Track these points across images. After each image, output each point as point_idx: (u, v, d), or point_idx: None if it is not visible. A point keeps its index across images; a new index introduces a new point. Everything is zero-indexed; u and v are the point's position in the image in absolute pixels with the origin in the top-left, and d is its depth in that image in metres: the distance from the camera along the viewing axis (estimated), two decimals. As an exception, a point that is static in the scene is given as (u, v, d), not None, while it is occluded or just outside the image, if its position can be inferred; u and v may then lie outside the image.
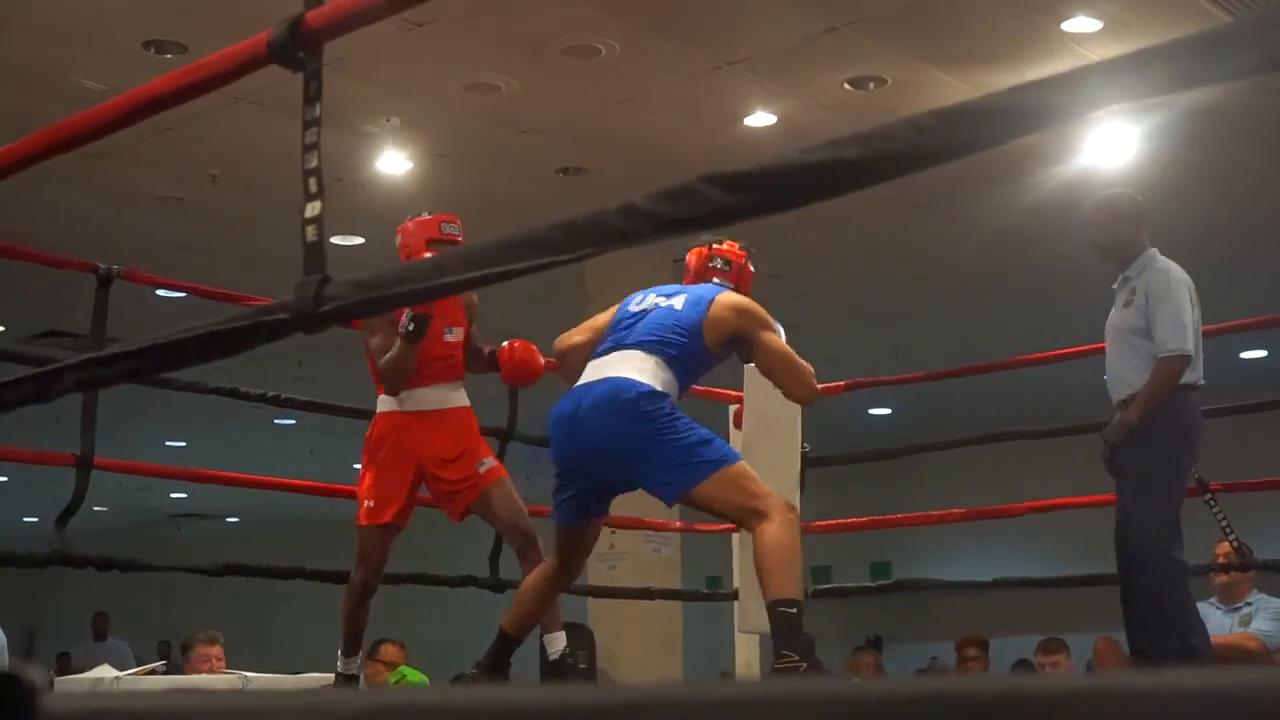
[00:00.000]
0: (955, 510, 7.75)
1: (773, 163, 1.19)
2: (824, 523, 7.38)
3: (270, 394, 6.02)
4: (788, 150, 1.19)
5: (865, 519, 7.56)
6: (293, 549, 21.42)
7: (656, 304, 4.84)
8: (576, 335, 5.05)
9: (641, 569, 10.37)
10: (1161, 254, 5.77)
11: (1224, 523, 6.21)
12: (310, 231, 1.84)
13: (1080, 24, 7.84)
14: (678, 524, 8.69)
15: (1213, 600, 7.20)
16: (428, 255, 5.05)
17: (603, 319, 4.99)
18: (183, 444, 18.99)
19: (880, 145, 1.12)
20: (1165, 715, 0.80)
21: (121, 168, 9.43)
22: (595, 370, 4.66)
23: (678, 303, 4.81)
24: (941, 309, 13.22)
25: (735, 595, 7.25)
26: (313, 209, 1.86)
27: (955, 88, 8.52)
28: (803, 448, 6.98)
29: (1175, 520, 5.48)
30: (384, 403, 5.48)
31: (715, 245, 5.24)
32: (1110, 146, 9.42)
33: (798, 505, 6.85)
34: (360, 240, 10.89)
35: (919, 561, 16.08)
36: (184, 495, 23.08)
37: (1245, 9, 7.64)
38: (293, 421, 17.00)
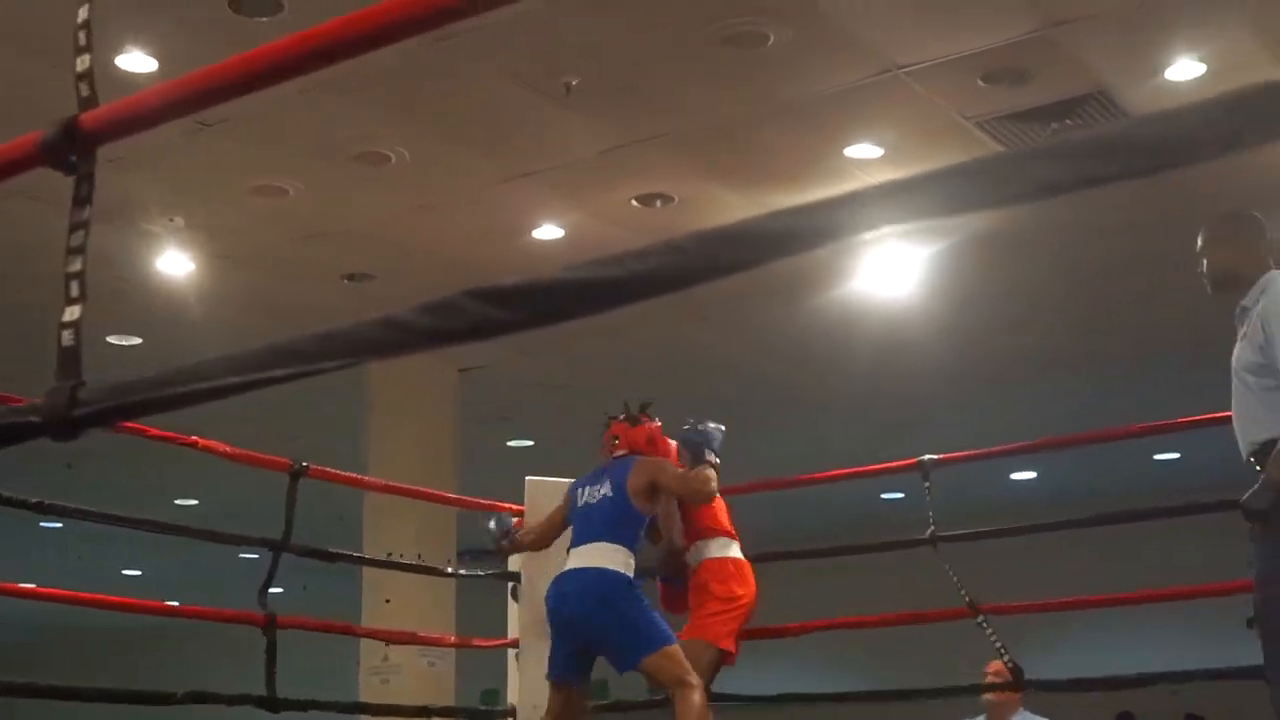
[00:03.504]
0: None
1: (535, 279, 1.19)
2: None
3: (34, 500, 5.79)
4: (550, 267, 1.19)
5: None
6: (60, 661, 20.63)
7: (599, 496, 6.11)
8: (544, 524, 6.51)
9: (416, 683, 10.21)
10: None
11: (998, 643, 6.30)
12: (66, 336, 1.79)
13: (862, 150, 8.06)
14: (452, 638, 8.58)
15: (981, 719, 7.33)
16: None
17: (559, 513, 6.36)
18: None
19: (638, 266, 1.13)
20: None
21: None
22: (578, 558, 5.96)
23: (608, 490, 6.09)
24: (724, 421, 13.34)
25: (513, 711, 7.15)
26: (71, 313, 1.82)
27: (741, 207, 8.68)
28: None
29: None
30: None
31: (611, 424, 6.39)
32: (892, 270, 9.66)
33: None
34: (138, 341, 10.67)
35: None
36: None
37: (1014, 140, 7.93)
38: (60, 525, 16.49)
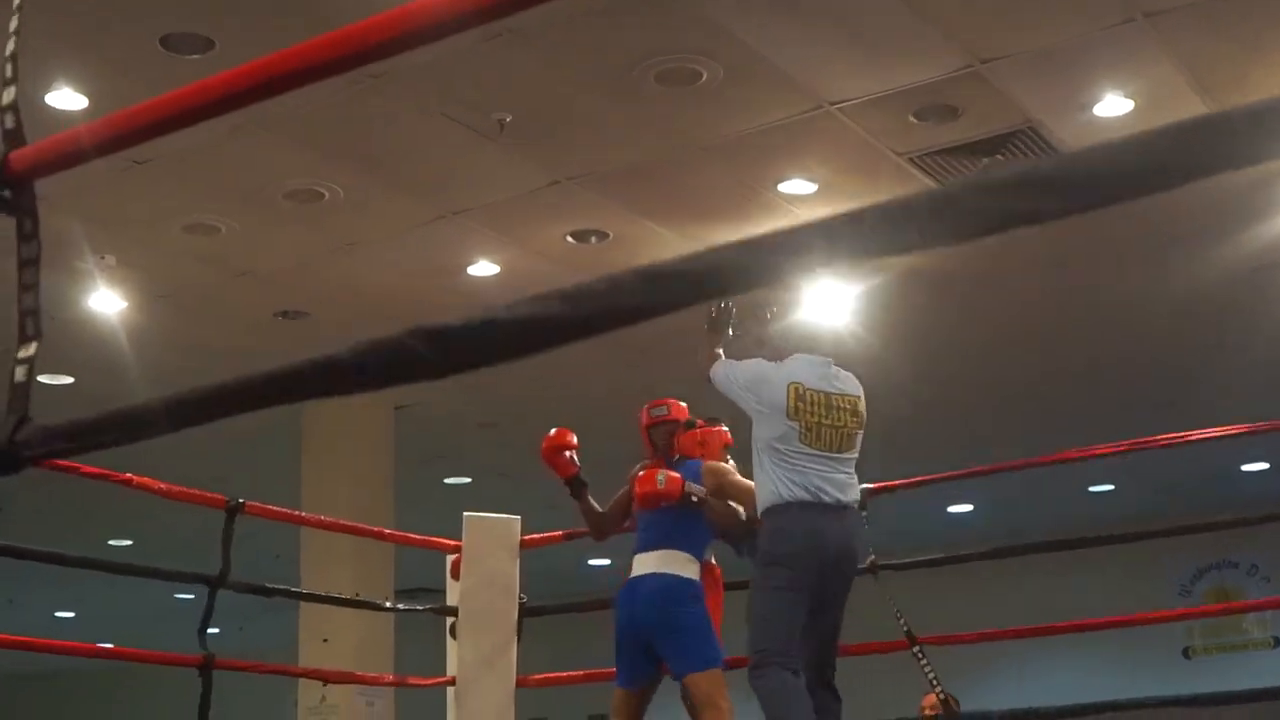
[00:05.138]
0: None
1: (478, 318, 1.20)
2: (541, 675, 7.32)
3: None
4: (493, 305, 1.20)
5: (583, 672, 7.51)
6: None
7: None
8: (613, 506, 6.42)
9: (354, 722, 10.14)
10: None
11: (931, 674, 6.33)
12: (20, 371, 1.79)
13: (795, 186, 8.12)
14: (390, 677, 8.52)
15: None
16: (653, 445, 6.35)
17: (625, 498, 6.28)
18: None
19: (585, 302, 1.14)
20: None
21: None
22: (645, 564, 5.98)
23: None
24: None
25: (451, 749, 7.11)
26: (27, 350, 1.81)
27: (675, 243, 8.71)
28: (520, 598, 6.93)
29: (767, 635, 5.38)
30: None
31: (697, 422, 6.34)
32: (827, 303, 9.69)
33: (515, 655, 6.83)
34: (69, 380, 10.58)
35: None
36: None
37: (946, 174, 8.00)
38: (-10, 567, 16.28)
